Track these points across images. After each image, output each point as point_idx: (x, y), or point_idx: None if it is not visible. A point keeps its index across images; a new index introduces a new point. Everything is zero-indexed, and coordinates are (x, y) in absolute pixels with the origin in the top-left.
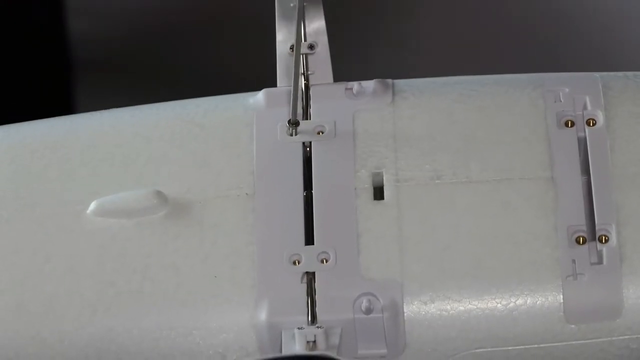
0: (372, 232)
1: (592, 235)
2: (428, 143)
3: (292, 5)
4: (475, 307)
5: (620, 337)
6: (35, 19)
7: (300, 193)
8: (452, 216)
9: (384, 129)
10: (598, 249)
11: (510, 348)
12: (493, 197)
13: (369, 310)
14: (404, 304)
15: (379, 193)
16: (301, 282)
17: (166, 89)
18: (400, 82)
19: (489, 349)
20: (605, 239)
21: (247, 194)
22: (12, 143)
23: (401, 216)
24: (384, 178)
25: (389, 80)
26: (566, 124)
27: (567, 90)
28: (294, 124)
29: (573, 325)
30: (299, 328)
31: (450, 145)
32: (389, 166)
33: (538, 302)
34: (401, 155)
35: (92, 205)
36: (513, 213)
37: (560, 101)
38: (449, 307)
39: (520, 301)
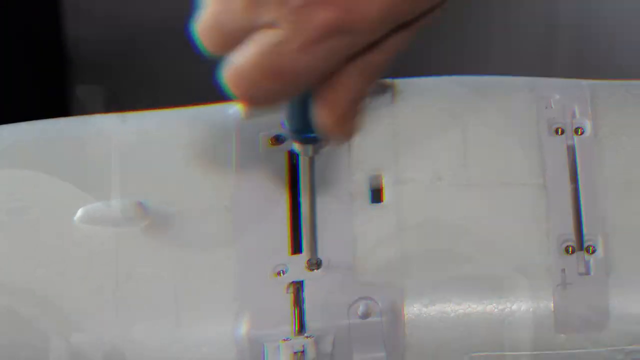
0: (370, 235)
1: (580, 245)
2: (428, 144)
3: None
4: (474, 310)
5: (607, 349)
6: (33, 19)
7: (283, 203)
8: (452, 219)
9: (383, 129)
10: (585, 259)
11: (506, 354)
12: (492, 200)
13: (365, 315)
14: (405, 306)
15: (376, 195)
16: (286, 293)
17: (165, 90)
18: (400, 82)
19: (486, 353)
20: (592, 249)
21: (225, 206)
22: (2, 146)
23: (400, 219)
24: (384, 180)
25: (389, 80)
26: (556, 131)
27: (557, 96)
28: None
29: (562, 335)
30: (284, 339)
31: (450, 147)
32: (388, 168)
33: (531, 309)
34: (401, 156)
35: (79, 212)
36: (510, 217)
37: (551, 107)
38: (449, 309)
39: (515, 307)
